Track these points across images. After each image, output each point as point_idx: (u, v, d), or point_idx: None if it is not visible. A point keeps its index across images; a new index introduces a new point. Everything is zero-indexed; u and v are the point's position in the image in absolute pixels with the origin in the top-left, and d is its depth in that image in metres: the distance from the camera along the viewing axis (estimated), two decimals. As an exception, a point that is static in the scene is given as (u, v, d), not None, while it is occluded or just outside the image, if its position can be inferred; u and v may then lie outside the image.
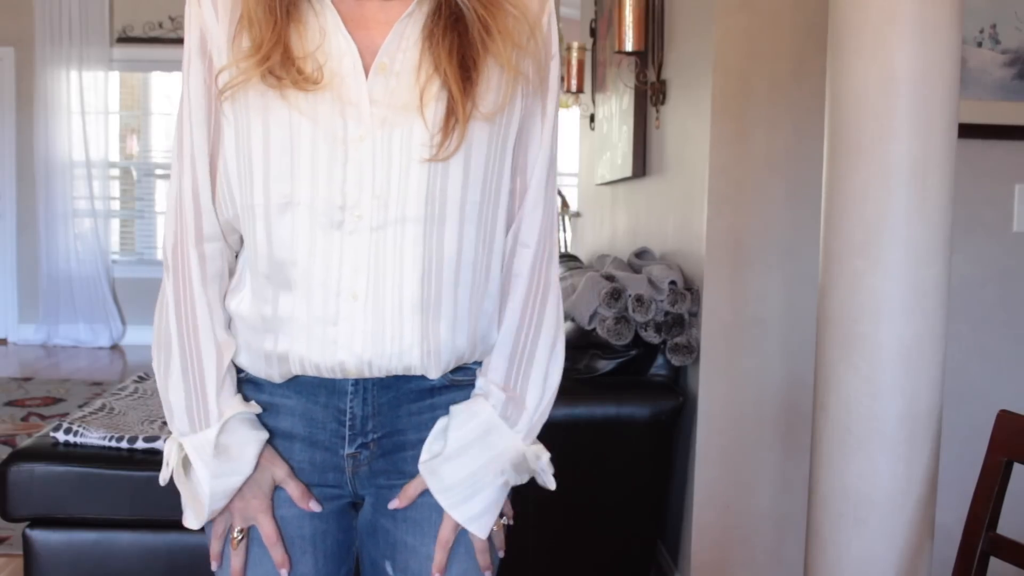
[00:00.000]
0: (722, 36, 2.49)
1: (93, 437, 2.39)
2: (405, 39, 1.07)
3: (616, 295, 2.59)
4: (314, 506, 1.18)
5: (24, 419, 4.96)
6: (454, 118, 1.05)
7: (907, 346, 1.70)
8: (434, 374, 1.14)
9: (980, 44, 2.43)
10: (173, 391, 1.15)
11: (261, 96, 1.06)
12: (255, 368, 1.16)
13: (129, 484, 2.29)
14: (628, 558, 2.66)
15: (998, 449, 1.55)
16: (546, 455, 1.21)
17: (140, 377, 3.08)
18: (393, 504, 1.18)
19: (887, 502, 1.72)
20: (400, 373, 1.13)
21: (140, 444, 2.36)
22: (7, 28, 7.20)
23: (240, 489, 1.16)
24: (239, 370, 1.18)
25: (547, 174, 1.19)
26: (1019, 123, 2.45)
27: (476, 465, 1.16)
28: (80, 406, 3.45)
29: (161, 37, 7.24)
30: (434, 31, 1.07)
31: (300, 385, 1.15)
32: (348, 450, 1.17)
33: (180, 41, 7.16)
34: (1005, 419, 1.56)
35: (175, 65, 7.36)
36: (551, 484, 1.22)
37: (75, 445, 2.39)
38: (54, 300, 7.24)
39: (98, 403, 2.70)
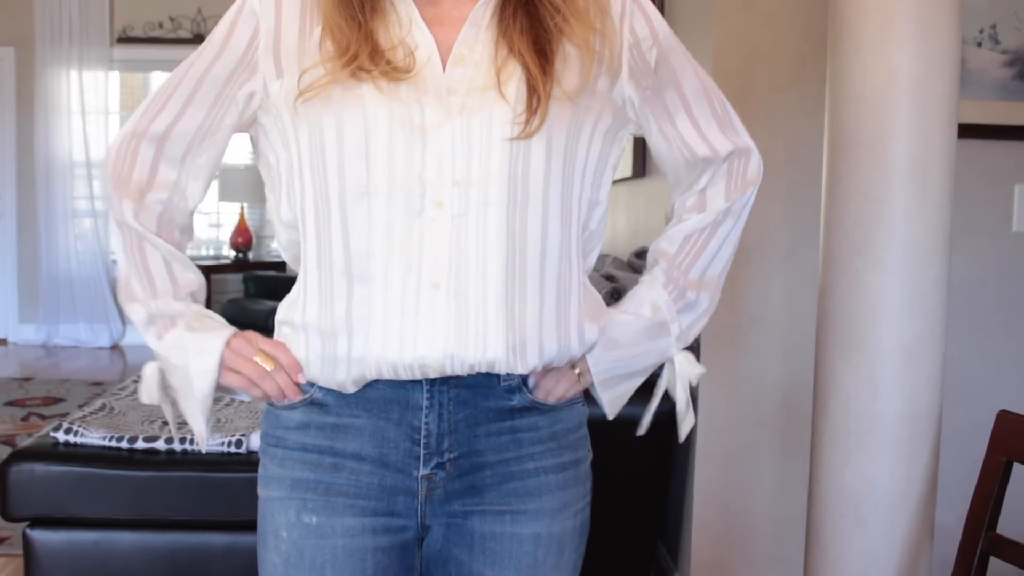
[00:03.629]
0: (722, 36, 2.49)
1: (93, 437, 2.39)
2: (481, 30, 1.09)
3: (616, 295, 2.59)
4: (301, 378, 1.13)
5: (24, 419, 4.96)
6: (536, 96, 1.05)
7: (907, 346, 1.70)
8: (520, 369, 1.09)
9: (980, 44, 2.43)
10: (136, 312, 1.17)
11: (335, 89, 1.06)
12: (327, 377, 1.11)
13: (129, 484, 2.30)
14: (628, 558, 2.66)
15: (998, 449, 1.55)
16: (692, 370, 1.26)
17: (140, 377, 3.08)
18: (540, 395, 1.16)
19: (887, 502, 1.72)
20: (483, 371, 1.08)
21: (140, 444, 2.36)
22: (7, 28, 7.20)
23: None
24: (309, 387, 1.14)
25: (720, 138, 1.22)
26: (1019, 123, 2.45)
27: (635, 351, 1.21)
28: (80, 406, 3.46)
29: (161, 37, 7.23)
30: (505, 17, 1.08)
31: (371, 403, 1.11)
32: (423, 471, 1.12)
33: (180, 41, 7.18)
34: (1005, 419, 1.56)
35: (175, 65, 7.30)
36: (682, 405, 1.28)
37: (75, 445, 2.39)
38: (54, 300, 7.24)
39: (98, 403, 2.70)
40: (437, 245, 1.05)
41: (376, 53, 1.05)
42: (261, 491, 1.18)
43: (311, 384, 1.13)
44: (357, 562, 1.12)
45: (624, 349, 1.20)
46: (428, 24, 1.09)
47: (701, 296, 1.24)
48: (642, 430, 1.26)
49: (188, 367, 1.14)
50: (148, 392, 1.20)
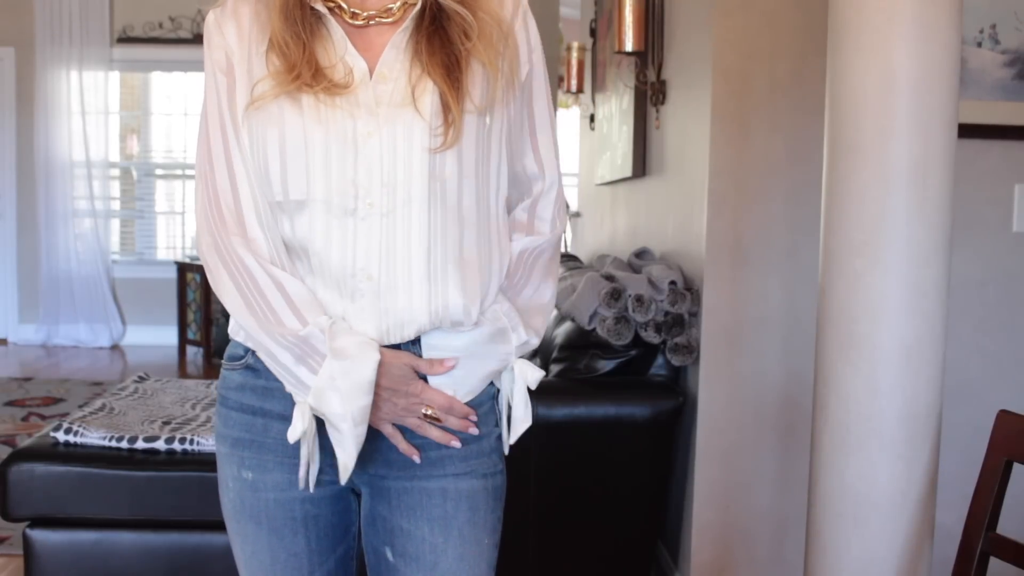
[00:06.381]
0: (722, 36, 2.49)
1: (93, 437, 2.39)
2: (399, 52, 1.23)
3: (616, 295, 2.59)
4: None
5: (24, 419, 4.96)
6: (451, 113, 1.20)
7: (907, 346, 1.70)
8: (446, 326, 1.25)
9: (980, 44, 2.43)
10: (280, 355, 1.22)
11: (279, 106, 1.20)
12: None
13: (129, 484, 2.30)
14: (628, 558, 2.66)
15: (998, 449, 1.55)
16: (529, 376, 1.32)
17: (140, 377, 3.08)
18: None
19: (887, 502, 1.72)
20: (412, 338, 1.24)
21: (140, 444, 2.36)
22: (7, 28, 7.20)
23: (382, 395, 1.23)
24: (244, 353, 1.30)
25: (552, 164, 1.36)
26: (1019, 123, 2.45)
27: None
28: (80, 406, 3.45)
29: (161, 37, 7.23)
30: (419, 41, 1.23)
31: None
32: None
33: (180, 41, 7.18)
34: (1005, 419, 1.56)
35: (175, 65, 7.37)
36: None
37: (75, 445, 2.39)
38: (54, 300, 7.24)
39: (98, 403, 2.70)
40: (369, 241, 1.21)
41: (318, 72, 1.20)
42: (216, 444, 1.36)
43: (246, 351, 1.29)
44: (287, 511, 1.30)
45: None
46: (359, 51, 1.24)
47: (530, 331, 1.33)
48: (506, 447, 1.37)
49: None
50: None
